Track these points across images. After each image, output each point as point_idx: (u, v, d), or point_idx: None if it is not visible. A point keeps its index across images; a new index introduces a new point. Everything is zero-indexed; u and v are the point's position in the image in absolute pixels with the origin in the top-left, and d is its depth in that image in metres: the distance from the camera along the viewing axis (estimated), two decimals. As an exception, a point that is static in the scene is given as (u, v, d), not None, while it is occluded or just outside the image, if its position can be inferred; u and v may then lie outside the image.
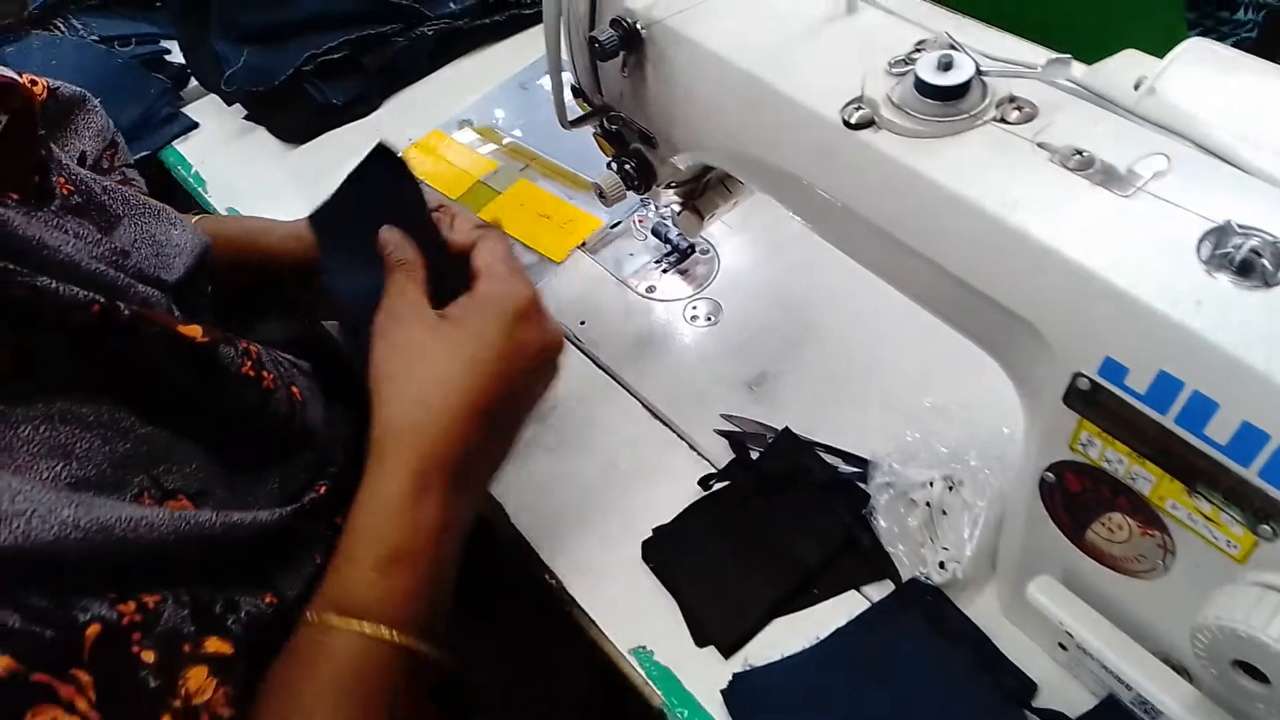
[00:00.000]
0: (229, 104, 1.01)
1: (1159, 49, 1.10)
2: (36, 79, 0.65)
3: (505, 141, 0.94)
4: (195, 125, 1.02)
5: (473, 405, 0.48)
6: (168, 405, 0.46)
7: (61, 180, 0.51)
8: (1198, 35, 1.31)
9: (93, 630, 0.38)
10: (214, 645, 0.42)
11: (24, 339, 0.41)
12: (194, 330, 0.46)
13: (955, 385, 0.64)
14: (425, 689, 0.48)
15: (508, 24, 1.06)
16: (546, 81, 0.99)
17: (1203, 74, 0.44)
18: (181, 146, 1.00)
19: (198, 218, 0.68)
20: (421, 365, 0.49)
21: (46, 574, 0.37)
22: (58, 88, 0.67)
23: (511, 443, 0.54)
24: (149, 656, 0.39)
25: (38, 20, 1.11)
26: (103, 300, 0.42)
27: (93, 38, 1.08)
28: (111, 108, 0.98)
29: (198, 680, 0.41)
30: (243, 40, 0.98)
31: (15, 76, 0.48)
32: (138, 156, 0.98)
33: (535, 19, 1.08)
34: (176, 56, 1.06)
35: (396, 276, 0.53)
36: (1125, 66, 0.46)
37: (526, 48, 1.06)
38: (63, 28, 1.11)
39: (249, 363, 0.50)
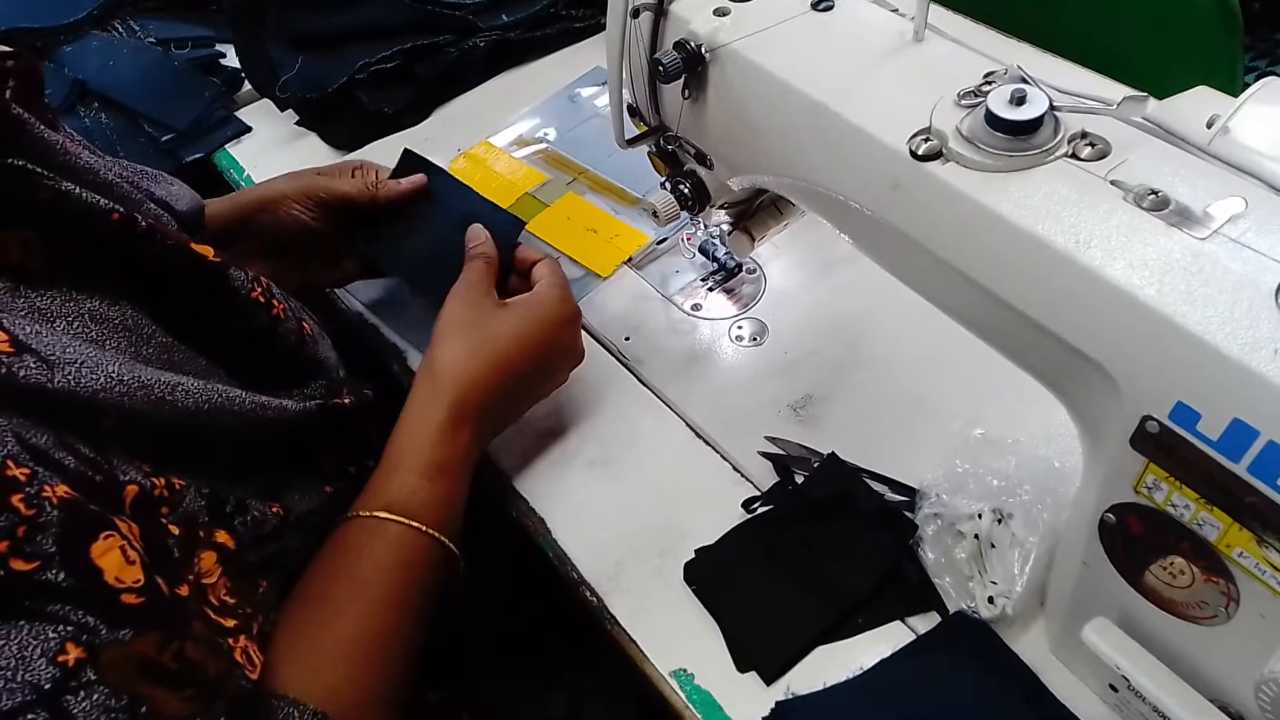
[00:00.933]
0: (282, 109, 1.02)
1: (1217, 74, 1.08)
2: None
3: (552, 154, 0.95)
4: (248, 129, 1.03)
5: (506, 367, 0.61)
6: (183, 318, 0.50)
7: (64, 139, 0.54)
8: (1250, 58, 1.28)
9: (131, 489, 0.41)
10: (222, 537, 0.46)
11: (51, 239, 0.44)
12: (206, 250, 0.51)
13: (1007, 416, 0.63)
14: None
15: (558, 36, 1.07)
16: (589, 91, 1.00)
17: (1277, 114, 0.43)
18: (234, 150, 1.01)
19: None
20: (479, 329, 0.62)
21: (93, 429, 0.41)
22: None
23: (521, 410, 0.67)
24: (174, 530, 0.43)
25: (96, 20, 1.13)
26: (122, 210, 0.46)
27: (149, 40, 1.10)
28: (167, 109, 1.01)
29: (208, 563, 0.45)
30: (298, 47, 0.99)
31: (7, 48, 0.51)
32: (191, 159, 0.99)
33: (586, 32, 1.08)
34: (232, 60, 1.08)
35: (477, 264, 0.66)
36: (1197, 104, 0.45)
37: (576, 60, 1.06)
38: (120, 29, 1.13)
39: (259, 289, 0.55)
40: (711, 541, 0.61)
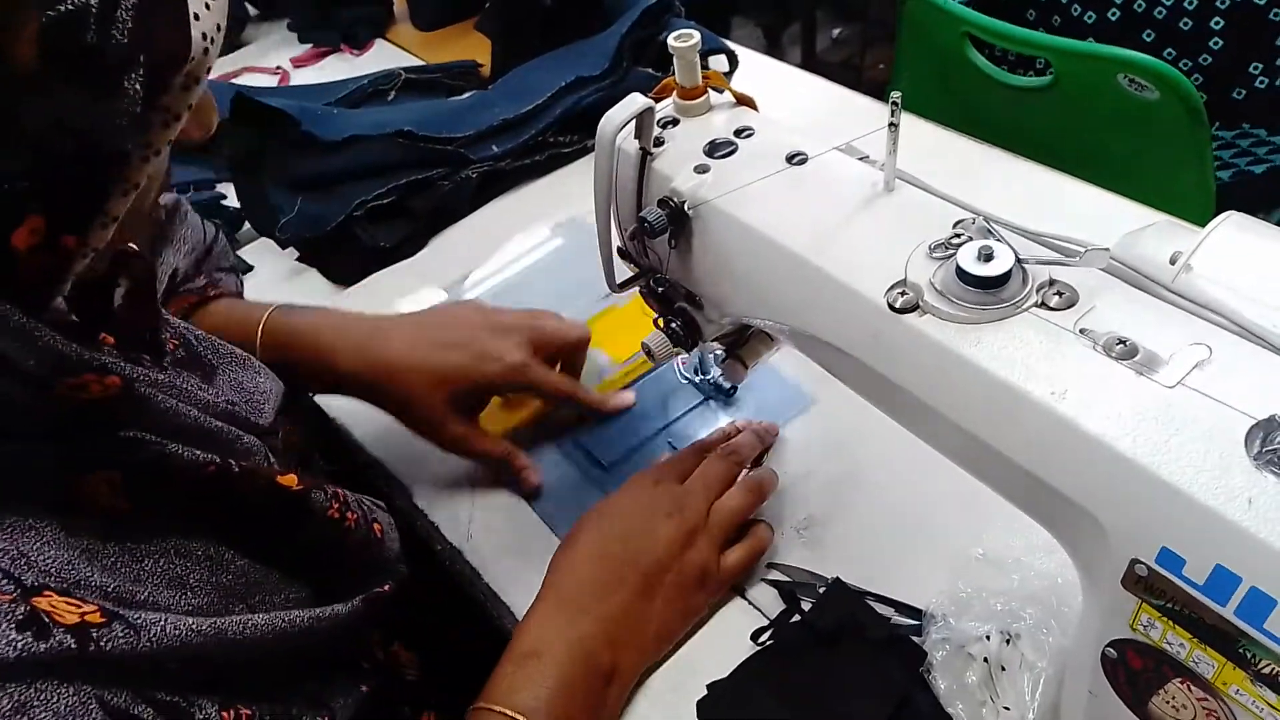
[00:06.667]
0: (283, 247, 1.05)
1: (1188, 165, 1.11)
2: None
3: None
4: (250, 268, 1.06)
5: (589, 572, 0.63)
6: (260, 542, 0.52)
7: (168, 336, 0.56)
8: (1233, 156, 1.31)
9: None
10: None
11: (146, 492, 0.46)
12: (290, 480, 0.53)
13: (1007, 530, 0.64)
14: None
15: (547, 162, 1.11)
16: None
17: (1238, 249, 0.45)
18: (237, 289, 1.04)
19: (275, 307, 0.76)
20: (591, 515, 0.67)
21: (170, 675, 0.42)
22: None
23: (640, 611, 0.62)
24: None
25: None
26: (218, 460, 0.48)
27: (154, 185, 1.14)
28: (171, 254, 1.04)
29: None
30: (296, 189, 1.02)
31: (133, 247, 0.51)
32: (195, 300, 1.02)
33: (573, 156, 1.12)
34: (233, 200, 1.11)
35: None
36: (1160, 239, 0.47)
37: (565, 183, 1.10)
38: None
39: (336, 505, 0.56)
40: (722, 675, 0.61)
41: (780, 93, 1.19)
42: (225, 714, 0.44)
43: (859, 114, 1.12)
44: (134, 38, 0.36)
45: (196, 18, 0.39)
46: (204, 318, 0.76)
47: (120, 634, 0.40)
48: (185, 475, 0.46)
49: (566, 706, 0.56)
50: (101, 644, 0.39)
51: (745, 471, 0.71)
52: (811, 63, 2.75)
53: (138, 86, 0.37)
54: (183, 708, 0.42)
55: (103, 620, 0.39)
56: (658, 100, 0.60)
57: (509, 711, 0.54)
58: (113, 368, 0.43)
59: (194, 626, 0.43)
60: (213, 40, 0.40)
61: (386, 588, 0.58)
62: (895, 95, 0.48)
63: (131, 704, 0.40)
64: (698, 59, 0.58)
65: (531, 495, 0.76)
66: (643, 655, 0.62)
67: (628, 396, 0.81)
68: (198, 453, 0.47)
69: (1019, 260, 0.44)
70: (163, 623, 0.42)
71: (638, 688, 0.62)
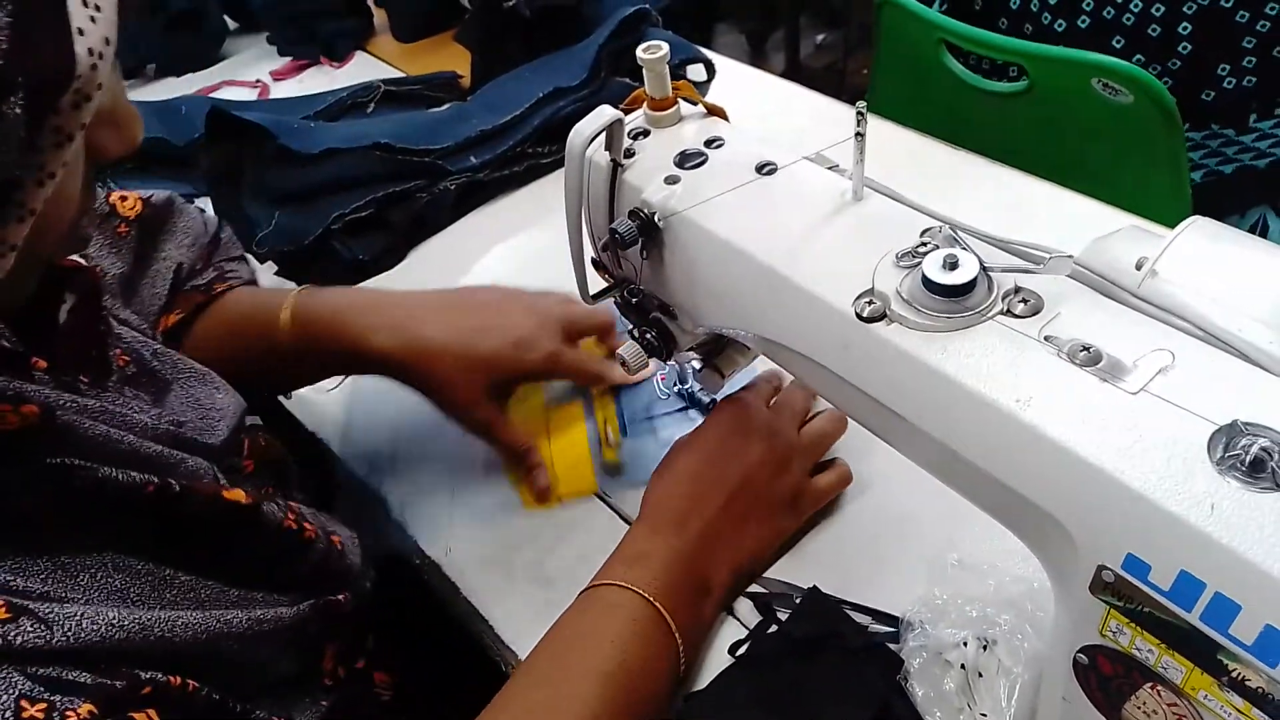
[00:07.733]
0: (261, 261, 1.04)
1: (1162, 166, 1.11)
2: (127, 193, 0.72)
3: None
4: (230, 281, 1.05)
5: (691, 468, 0.66)
6: (208, 557, 0.51)
7: (119, 352, 0.55)
8: (1203, 156, 1.31)
9: (147, 689, 0.42)
10: None
11: (79, 511, 0.45)
12: (237, 494, 0.52)
13: (982, 534, 0.64)
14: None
15: (525, 173, 1.11)
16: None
17: (1203, 254, 0.45)
18: (215, 303, 1.03)
19: (300, 289, 0.74)
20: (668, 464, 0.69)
21: (104, 658, 0.42)
22: (150, 196, 0.73)
23: (729, 523, 0.64)
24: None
25: (79, 184, 1.16)
26: (157, 480, 0.47)
27: (131, 200, 1.13)
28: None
29: None
30: (273, 203, 1.02)
31: (82, 261, 0.51)
32: (173, 316, 1.01)
33: (552, 166, 1.12)
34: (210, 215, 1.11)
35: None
36: (1127, 244, 0.47)
37: (544, 194, 1.10)
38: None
39: (290, 517, 0.55)
40: (701, 687, 0.61)
41: (759, 101, 1.19)
42: (172, 679, 0.43)
43: (837, 122, 1.12)
44: (10, 60, 0.34)
45: (81, 33, 0.36)
46: (220, 311, 0.74)
47: (30, 629, 0.39)
48: (123, 497, 0.46)
49: (672, 599, 0.59)
50: (10, 638, 0.38)
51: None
52: (795, 69, 2.76)
53: (18, 110, 0.35)
54: (127, 674, 0.41)
55: (7, 616, 0.39)
56: (628, 112, 0.60)
57: (625, 584, 0.58)
58: (31, 396, 0.42)
59: (114, 620, 0.42)
60: (101, 55, 0.37)
61: (341, 598, 0.57)
62: (860, 105, 0.48)
63: (63, 673, 0.39)
64: (667, 70, 0.58)
65: (540, 498, 0.75)
66: (735, 573, 0.64)
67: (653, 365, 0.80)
68: (135, 475, 0.46)
69: (984, 268, 0.44)
70: (78, 616, 0.41)
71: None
